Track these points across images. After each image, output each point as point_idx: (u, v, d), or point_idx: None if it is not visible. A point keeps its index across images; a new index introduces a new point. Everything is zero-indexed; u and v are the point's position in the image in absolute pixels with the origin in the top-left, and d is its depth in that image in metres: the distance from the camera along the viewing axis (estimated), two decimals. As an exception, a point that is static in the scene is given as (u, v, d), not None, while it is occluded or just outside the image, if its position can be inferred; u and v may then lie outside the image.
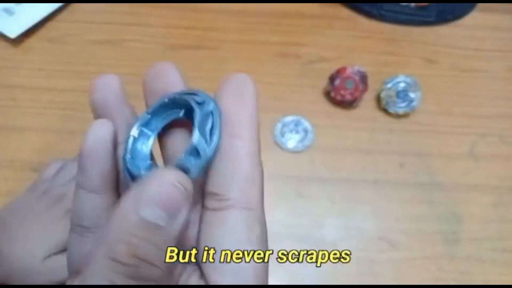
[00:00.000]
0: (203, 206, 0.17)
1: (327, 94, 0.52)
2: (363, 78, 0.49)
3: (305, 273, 0.42)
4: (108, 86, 0.21)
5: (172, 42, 0.56)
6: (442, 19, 0.59)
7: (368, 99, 0.52)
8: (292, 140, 0.49)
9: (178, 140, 0.19)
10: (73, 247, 0.19)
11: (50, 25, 0.56)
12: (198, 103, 0.19)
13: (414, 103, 0.50)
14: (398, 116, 0.51)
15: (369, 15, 0.59)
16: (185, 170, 0.16)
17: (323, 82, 0.52)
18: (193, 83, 0.58)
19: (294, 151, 0.48)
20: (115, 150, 0.20)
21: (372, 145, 0.49)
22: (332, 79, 0.50)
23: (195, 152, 0.16)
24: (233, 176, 0.17)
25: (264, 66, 0.54)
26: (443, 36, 0.58)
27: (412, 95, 0.50)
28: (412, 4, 0.58)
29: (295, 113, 0.50)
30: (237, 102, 0.19)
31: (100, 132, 0.20)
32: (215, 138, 0.17)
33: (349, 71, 0.49)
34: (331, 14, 0.59)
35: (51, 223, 0.38)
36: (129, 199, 0.15)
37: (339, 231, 0.44)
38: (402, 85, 0.50)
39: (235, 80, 0.20)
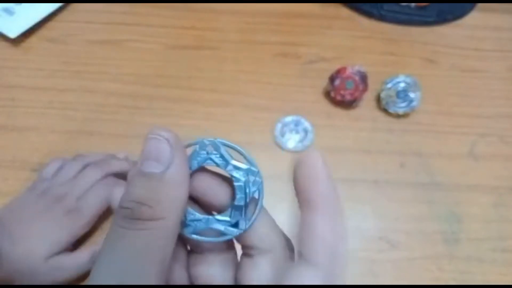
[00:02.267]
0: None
1: (327, 94, 0.52)
2: (363, 78, 0.49)
3: (305, 273, 0.42)
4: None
5: (172, 42, 0.56)
6: (442, 19, 0.59)
7: (368, 99, 0.52)
8: (292, 140, 0.49)
9: (212, 185, 0.21)
10: None
11: (50, 25, 0.56)
12: (247, 175, 0.20)
13: (414, 103, 0.50)
14: (398, 116, 0.51)
15: (369, 15, 0.59)
16: (223, 234, 0.20)
17: (323, 82, 0.52)
18: (193, 83, 0.58)
19: (294, 151, 0.48)
20: None
21: (372, 145, 0.49)
22: (332, 79, 0.50)
23: (235, 225, 0.20)
24: (319, 244, 0.20)
25: (264, 66, 0.54)
26: (443, 36, 0.58)
27: (412, 95, 0.50)
28: (412, 4, 0.58)
29: (295, 113, 0.50)
30: (313, 182, 0.21)
31: None
32: (254, 215, 0.20)
33: (349, 71, 0.49)
34: (331, 14, 0.59)
35: (51, 223, 0.38)
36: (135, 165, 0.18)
37: (339, 231, 0.44)
38: (402, 85, 0.50)
39: (308, 160, 0.21)
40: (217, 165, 0.20)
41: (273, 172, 0.47)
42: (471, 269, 0.43)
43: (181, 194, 0.19)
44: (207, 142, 0.20)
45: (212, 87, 0.52)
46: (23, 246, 0.37)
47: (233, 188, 0.20)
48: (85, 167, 0.42)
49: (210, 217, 0.20)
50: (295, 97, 0.52)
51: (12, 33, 0.53)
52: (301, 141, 0.49)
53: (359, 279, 0.42)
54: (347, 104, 0.51)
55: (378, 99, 0.51)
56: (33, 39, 0.55)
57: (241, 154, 0.20)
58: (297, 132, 0.49)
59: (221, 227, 0.20)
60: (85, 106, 0.50)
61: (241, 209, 0.20)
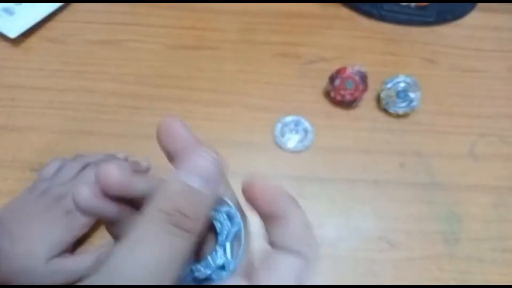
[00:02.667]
0: None
1: (327, 94, 0.52)
2: (363, 78, 0.49)
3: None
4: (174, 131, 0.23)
5: (172, 42, 0.56)
6: (442, 19, 0.59)
7: (368, 99, 0.52)
8: (292, 140, 0.49)
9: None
10: None
11: (50, 25, 0.56)
12: (228, 217, 0.21)
13: (414, 103, 0.50)
14: (398, 116, 0.51)
15: (369, 15, 0.59)
16: (209, 279, 0.20)
17: (323, 82, 0.52)
18: (193, 83, 0.58)
19: (294, 151, 0.48)
20: None
21: (372, 145, 0.49)
22: (332, 79, 0.50)
23: (222, 267, 0.20)
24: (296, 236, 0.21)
25: (264, 66, 0.54)
26: (443, 36, 0.58)
27: (412, 95, 0.50)
28: (412, 4, 0.58)
29: (295, 113, 0.50)
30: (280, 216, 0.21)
31: None
32: (240, 253, 0.20)
33: (349, 71, 0.49)
34: (331, 14, 0.59)
35: (51, 223, 0.38)
36: (177, 173, 0.19)
37: (339, 231, 0.44)
38: (402, 85, 0.50)
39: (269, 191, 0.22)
40: None
41: (273, 172, 0.48)
42: (471, 269, 0.43)
43: (209, 212, 0.20)
44: None
45: (212, 87, 0.52)
46: (22, 246, 0.37)
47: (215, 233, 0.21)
48: (85, 167, 0.42)
49: (195, 266, 0.20)
50: (295, 97, 0.52)
51: (12, 33, 0.53)
52: (301, 141, 0.48)
53: (359, 279, 0.42)
54: (347, 104, 0.51)
55: (378, 99, 0.51)
56: (33, 39, 0.55)
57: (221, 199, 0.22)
58: (297, 132, 0.49)
59: (208, 271, 0.20)
60: (85, 106, 0.50)
61: (224, 250, 0.20)
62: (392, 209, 0.45)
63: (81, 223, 0.39)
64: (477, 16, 0.59)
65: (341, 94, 0.49)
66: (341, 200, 0.46)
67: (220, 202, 0.22)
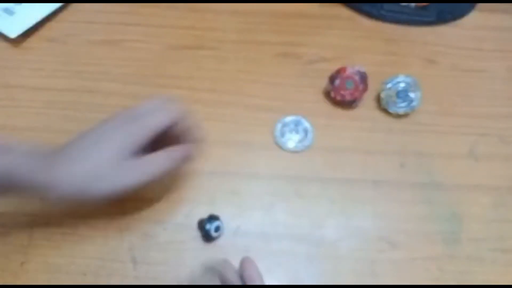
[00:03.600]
0: None
1: (327, 94, 0.52)
2: (363, 78, 0.49)
3: (305, 273, 0.42)
4: None
5: (172, 42, 0.56)
6: (442, 19, 0.59)
7: (368, 99, 0.52)
8: (292, 140, 0.49)
9: None
10: None
11: (50, 25, 0.56)
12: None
13: (414, 103, 0.50)
14: (398, 116, 0.51)
15: (369, 15, 0.59)
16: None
17: (323, 82, 0.52)
18: (193, 83, 0.58)
19: (294, 151, 0.48)
20: None
21: (372, 145, 0.49)
22: (332, 79, 0.50)
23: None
24: None
25: (264, 66, 0.54)
26: (443, 36, 0.58)
27: (412, 95, 0.50)
28: (412, 4, 0.58)
29: (295, 113, 0.50)
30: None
31: None
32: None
33: (349, 71, 0.49)
34: (331, 14, 0.59)
35: (118, 127, 0.39)
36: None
37: (339, 231, 0.44)
38: (402, 85, 0.50)
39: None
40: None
41: (272, 172, 0.48)
42: (471, 269, 0.43)
43: None
44: None
45: (212, 87, 0.52)
46: (93, 151, 0.38)
47: None
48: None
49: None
50: (295, 97, 0.52)
51: (12, 33, 0.53)
52: (301, 141, 0.49)
53: (359, 279, 0.42)
54: (347, 104, 0.51)
55: (378, 99, 0.51)
56: (33, 39, 0.55)
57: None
58: (297, 132, 0.49)
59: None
60: (85, 106, 0.50)
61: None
62: (392, 209, 0.45)
63: (147, 131, 0.39)
64: (477, 16, 0.59)
65: (341, 94, 0.49)
66: (341, 200, 0.46)
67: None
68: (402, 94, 0.50)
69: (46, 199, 0.38)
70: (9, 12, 0.55)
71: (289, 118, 0.50)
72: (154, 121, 0.40)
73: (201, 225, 0.43)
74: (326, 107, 0.51)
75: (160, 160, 0.40)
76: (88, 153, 0.38)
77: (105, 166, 0.37)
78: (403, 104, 0.50)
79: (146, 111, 0.41)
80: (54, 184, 0.37)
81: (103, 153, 0.38)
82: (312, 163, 0.48)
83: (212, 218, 0.43)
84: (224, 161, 0.47)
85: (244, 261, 0.40)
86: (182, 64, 0.54)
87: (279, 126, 0.49)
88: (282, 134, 0.49)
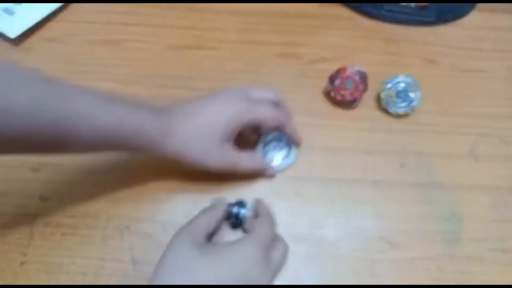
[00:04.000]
0: None
1: (327, 94, 0.52)
2: (363, 78, 0.49)
3: (305, 273, 0.42)
4: None
5: (172, 42, 0.56)
6: (442, 19, 0.59)
7: (368, 99, 0.52)
8: (277, 158, 0.47)
9: None
10: None
11: (50, 25, 0.56)
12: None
13: (414, 103, 0.50)
14: (398, 116, 0.51)
15: (369, 15, 0.59)
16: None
17: (323, 82, 0.52)
18: (193, 83, 0.58)
19: (280, 170, 0.47)
20: None
21: (372, 145, 0.49)
22: (332, 79, 0.50)
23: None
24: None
25: (264, 66, 0.54)
26: (443, 36, 0.58)
27: (412, 95, 0.50)
28: (412, 4, 0.58)
29: (295, 113, 0.50)
30: None
31: None
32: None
33: (349, 71, 0.49)
34: (331, 14, 0.59)
35: (230, 102, 0.42)
36: None
37: (339, 231, 0.44)
38: (402, 85, 0.50)
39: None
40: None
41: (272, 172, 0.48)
42: (471, 269, 0.43)
43: None
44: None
45: (212, 87, 0.52)
46: (202, 121, 0.40)
47: None
48: None
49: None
50: (295, 97, 0.52)
51: (12, 33, 0.53)
52: (286, 157, 0.47)
53: (359, 279, 0.42)
54: (347, 104, 0.51)
55: (378, 99, 0.51)
56: (33, 39, 0.55)
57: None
58: (280, 148, 0.48)
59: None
60: (85, 106, 0.50)
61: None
62: (392, 209, 0.45)
63: (255, 114, 0.42)
64: (477, 16, 0.59)
65: (341, 94, 0.49)
66: (341, 200, 0.46)
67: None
68: (402, 94, 0.50)
69: (158, 153, 0.40)
70: (9, 12, 0.55)
71: (269, 137, 0.47)
72: (266, 114, 0.43)
73: (230, 210, 0.43)
74: (326, 107, 0.52)
75: (245, 161, 0.44)
76: (202, 114, 0.40)
77: (208, 135, 0.40)
78: (403, 104, 0.50)
79: (260, 98, 0.43)
80: (167, 140, 0.39)
81: (214, 117, 0.40)
82: (312, 163, 0.48)
83: (240, 204, 0.44)
84: (224, 161, 0.47)
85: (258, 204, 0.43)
86: (182, 64, 0.54)
87: (261, 146, 0.47)
88: (265, 154, 0.47)
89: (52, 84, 0.34)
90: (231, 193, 0.45)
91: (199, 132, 0.40)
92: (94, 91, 0.37)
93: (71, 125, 0.34)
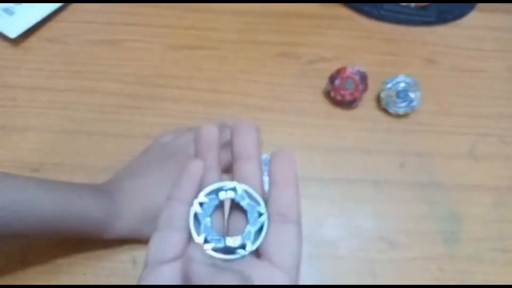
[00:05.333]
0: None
1: (327, 94, 0.52)
2: (363, 78, 0.49)
3: (305, 273, 0.42)
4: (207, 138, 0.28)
5: (172, 42, 0.56)
6: (442, 19, 0.59)
7: (368, 99, 0.52)
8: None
9: (239, 220, 0.27)
10: (155, 243, 0.25)
11: (50, 25, 0.56)
12: (257, 212, 0.26)
13: (414, 103, 0.50)
14: (398, 116, 0.51)
15: (369, 15, 0.59)
16: (232, 252, 0.25)
17: (323, 82, 0.52)
18: (193, 83, 0.58)
19: None
20: None
21: (372, 145, 0.49)
22: (332, 79, 0.50)
23: (243, 246, 0.25)
24: (283, 248, 0.25)
25: (264, 66, 0.54)
26: (443, 36, 0.58)
27: (412, 95, 0.50)
28: (412, 4, 0.58)
29: (295, 113, 0.50)
30: (285, 184, 0.27)
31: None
32: (260, 239, 0.25)
33: (349, 71, 0.49)
34: (331, 14, 0.59)
35: (167, 176, 0.40)
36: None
37: (339, 231, 0.44)
38: (402, 85, 0.50)
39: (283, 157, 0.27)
40: (235, 201, 0.26)
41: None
42: (471, 269, 0.43)
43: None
44: (227, 187, 0.26)
45: (212, 87, 0.52)
46: (140, 200, 0.39)
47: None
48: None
49: (225, 237, 0.25)
50: (295, 97, 0.52)
51: (12, 33, 0.53)
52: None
53: (359, 279, 0.42)
54: (347, 104, 0.51)
55: (378, 99, 0.51)
56: (33, 39, 0.55)
57: (251, 194, 0.26)
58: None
59: (234, 247, 0.25)
60: (85, 106, 0.50)
61: (249, 235, 0.25)
62: (392, 209, 0.45)
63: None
64: (477, 16, 0.59)
65: (341, 94, 0.49)
66: (341, 200, 0.46)
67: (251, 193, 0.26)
68: (402, 94, 0.50)
69: (109, 236, 0.39)
70: (9, 12, 0.55)
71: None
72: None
73: None
74: (326, 107, 0.51)
75: None
76: (146, 196, 0.39)
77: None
78: (403, 104, 0.50)
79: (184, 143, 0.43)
80: (117, 223, 0.39)
81: (159, 197, 0.37)
82: (312, 163, 0.48)
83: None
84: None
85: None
86: (182, 64, 0.54)
87: None
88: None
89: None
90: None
91: (149, 213, 0.38)
92: (35, 178, 0.36)
93: (21, 212, 0.34)
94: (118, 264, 0.42)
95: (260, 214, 0.26)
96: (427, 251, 0.43)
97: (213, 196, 0.27)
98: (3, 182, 0.34)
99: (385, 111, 0.51)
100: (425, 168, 0.48)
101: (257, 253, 0.25)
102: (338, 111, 0.51)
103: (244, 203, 0.26)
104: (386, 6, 0.58)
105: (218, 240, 0.25)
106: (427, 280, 0.42)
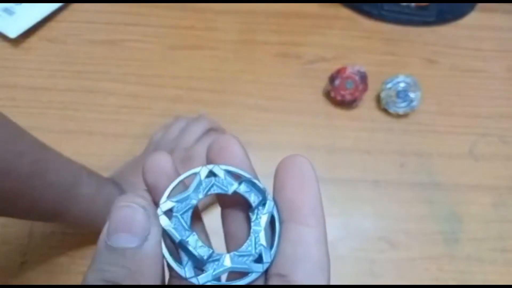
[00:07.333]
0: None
1: (327, 94, 0.52)
2: (363, 78, 0.49)
3: (305, 273, 0.42)
4: (159, 167, 0.19)
5: (172, 42, 0.56)
6: (442, 19, 0.59)
7: (368, 99, 0.52)
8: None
9: (238, 221, 0.19)
10: None
11: (50, 25, 0.56)
12: (260, 202, 0.18)
13: (414, 103, 0.50)
14: (398, 116, 0.51)
15: (369, 15, 0.59)
16: (247, 272, 0.17)
17: (323, 82, 0.52)
18: (193, 83, 0.58)
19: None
20: None
21: (372, 145, 0.49)
22: (332, 79, 0.50)
23: (259, 258, 0.17)
24: (301, 262, 0.18)
25: (264, 66, 0.54)
26: (443, 36, 0.58)
27: (412, 95, 0.50)
28: (412, 4, 0.58)
29: (295, 113, 0.50)
30: (301, 189, 0.19)
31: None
32: (275, 242, 0.17)
33: (349, 71, 0.49)
34: (331, 14, 0.59)
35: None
36: (102, 231, 0.16)
37: (339, 231, 0.44)
38: (402, 85, 0.50)
39: (294, 164, 0.20)
40: (224, 191, 0.18)
41: (272, 172, 0.47)
42: (471, 269, 0.43)
43: (160, 268, 0.16)
44: (207, 170, 0.18)
45: (212, 87, 0.52)
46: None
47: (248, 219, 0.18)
48: (188, 124, 0.44)
49: (228, 254, 0.17)
50: (295, 97, 0.52)
51: (12, 33, 0.53)
52: None
53: (359, 279, 0.42)
54: (347, 104, 0.51)
55: (378, 99, 0.51)
56: (33, 39, 0.55)
57: (244, 176, 0.18)
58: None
59: (244, 265, 0.17)
60: (85, 106, 0.50)
61: (258, 237, 0.17)
62: (392, 209, 0.45)
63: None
64: (477, 16, 0.59)
65: (341, 94, 0.49)
66: (341, 200, 0.46)
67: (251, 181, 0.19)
68: (402, 94, 0.50)
69: None
70: (9, 12, 0.55)
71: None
72: (203, 155, 0.40)
73: None
74: (326, 107, 0.52)
75: None
76: None
77: None
78: (403, 104, 0.50)
79: (187, 143, 0.43)
80: None
81: None
82: (312, 163, 0.48)
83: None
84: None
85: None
86: (182, 64, 0.54)
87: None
88: None
89: (49, 151, 0.36)
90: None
91: None
92: (77, 163, 0.37)
93: (64, 192, 0.34)
94: (118, 264, 0.42)
95: (263, 203, 0.18)
96: (427, 251, 0.43)
97: (183, 195, 0.18)
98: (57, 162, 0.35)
99: (385, 111, 0.51)
100: (425, 168, 0.48)
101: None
102: (338, 111, 0.51)
103: (233, 189, 0.18)
104: (386, 6, 0.58)
105: (219, 262, 0.17)
106: (427, 280, 0.42)
